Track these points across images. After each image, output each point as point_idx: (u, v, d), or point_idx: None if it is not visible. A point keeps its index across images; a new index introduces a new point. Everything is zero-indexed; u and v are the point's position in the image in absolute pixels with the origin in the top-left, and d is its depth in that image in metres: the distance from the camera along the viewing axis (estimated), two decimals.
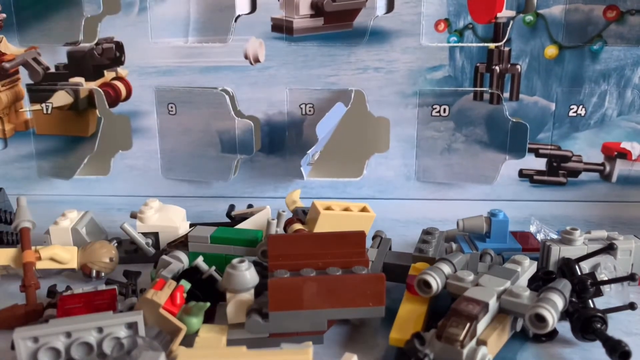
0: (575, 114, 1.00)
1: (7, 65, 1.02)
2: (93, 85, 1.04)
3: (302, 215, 0.82)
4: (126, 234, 0.80)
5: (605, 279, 0.67)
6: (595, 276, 0.66)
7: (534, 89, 0.99)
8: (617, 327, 0.65)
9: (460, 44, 0.98)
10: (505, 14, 0.96)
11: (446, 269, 0.65)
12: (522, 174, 1.03)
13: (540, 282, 0.66)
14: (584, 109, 0.99)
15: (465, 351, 0.54)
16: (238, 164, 1.05)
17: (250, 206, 0.92)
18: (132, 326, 0.57)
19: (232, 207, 0.93)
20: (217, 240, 0.73)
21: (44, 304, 0.67)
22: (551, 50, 0.97)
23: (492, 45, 0.98)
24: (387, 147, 1.03)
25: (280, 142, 1.04)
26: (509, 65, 0.98)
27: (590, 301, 0.64)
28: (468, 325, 0.55)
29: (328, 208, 0.76)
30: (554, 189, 1.04)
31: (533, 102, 1.00)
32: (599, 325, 0.60)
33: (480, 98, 1.00)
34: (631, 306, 0.61)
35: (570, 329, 0.62)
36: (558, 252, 0.72)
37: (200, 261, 0.68)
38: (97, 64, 1.03)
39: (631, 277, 0.65)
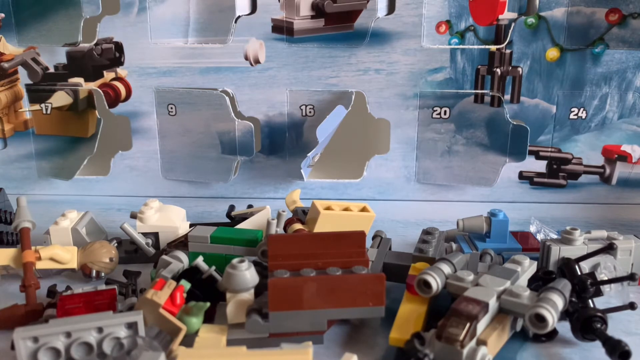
0: (576, 117, 1.00)
1: (5, 65, 1.02)
2: (92, 85, 1.04)
3: (302, 215, 0.82)
4: (126, 234, 0.80)
5: (605, 278, 0.67)
6: (595, 276, 0.66)
7: (535, 92, 0.99)
8: (617, 327, 0.65)
9: (461, 46, 0.98)
10: (506, 16, 0.96)
11: (446, 269, 0.65)
12: (522, 176, 1.03)
13: (540, 282, 0.66)
14: (584, 112, 0.99)
15: (465, 351, 0.54)
16: (238, 165, 1.05)
17: (250, 206, 0.92)
18: (132, 326, 0.57)
19: (232, 207, 0.93)
20: (217, 240, 0.73)
21: (44, 304, 0.67)
22: (553, 53, 0.97)
23: (493, 47, 0.98)
24: (388, 149, 1.03)
25: (281, 144, 1.04)
26: (510, 68, 0.98)
27: (590, 301, 0.64)
28: (468, 325, 0.55)
29: (328, 208, 0.76)
30: (554, 191, 1.04)
31: (534, 104, 1.00)
32: (599, 325, 0.60)
33: (481, 100, 1.00)
34: (631, 306, 0.61)
35: (570, 329, 0.62)
36: (558, 252, 0.72)
37: (200, 261, 0.68)
38: (97, 65, 1.03)
39: (631, 277, 0.65)
